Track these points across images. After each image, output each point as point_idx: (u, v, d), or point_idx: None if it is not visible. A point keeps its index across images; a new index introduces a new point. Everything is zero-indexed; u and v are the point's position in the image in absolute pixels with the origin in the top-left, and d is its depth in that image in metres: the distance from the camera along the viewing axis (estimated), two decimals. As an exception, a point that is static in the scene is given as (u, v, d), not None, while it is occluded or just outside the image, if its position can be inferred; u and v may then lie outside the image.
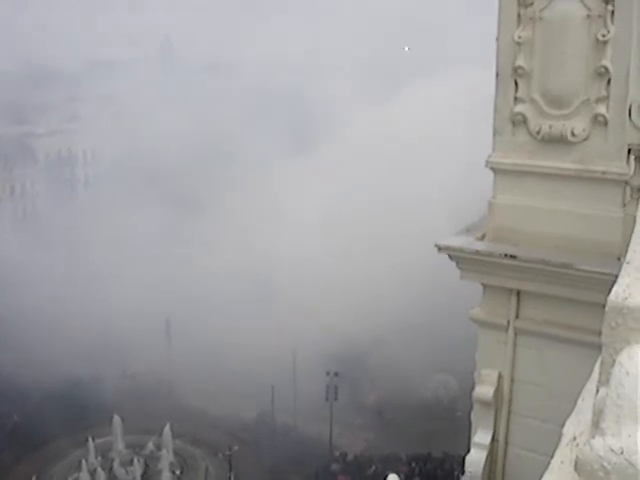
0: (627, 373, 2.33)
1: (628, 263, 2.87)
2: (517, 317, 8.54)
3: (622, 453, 2.19)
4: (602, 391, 2.50)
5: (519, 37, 8.01)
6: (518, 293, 8.46)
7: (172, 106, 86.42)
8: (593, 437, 2.30)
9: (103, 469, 49.61)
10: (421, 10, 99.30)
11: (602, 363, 2.64)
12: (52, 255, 69.73)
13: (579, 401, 3.18)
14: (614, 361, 2.46)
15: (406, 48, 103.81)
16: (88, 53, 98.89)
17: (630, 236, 3.40)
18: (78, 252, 69.35)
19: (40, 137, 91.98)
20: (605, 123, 7.84)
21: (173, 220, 71.61)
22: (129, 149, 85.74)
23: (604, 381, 2.55)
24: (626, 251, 3.06)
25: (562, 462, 2.54)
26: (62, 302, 61.11)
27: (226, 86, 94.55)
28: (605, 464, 2.21)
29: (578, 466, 2.28)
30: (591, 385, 3.14)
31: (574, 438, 2.69)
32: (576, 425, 2.83)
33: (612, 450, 2.20)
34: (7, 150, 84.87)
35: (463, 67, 72.29)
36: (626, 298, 2.61)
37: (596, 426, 2.37)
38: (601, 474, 2.21)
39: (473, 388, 9.06)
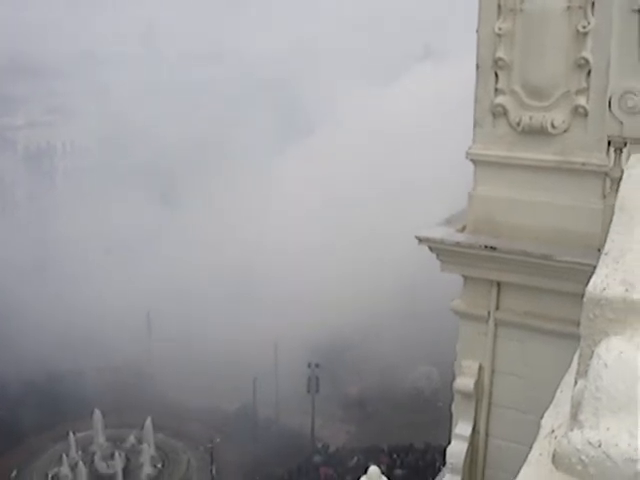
0: (605, 365, 2.31)
1: (606, 254, 2.87)
2: (497, 308, 8.56)
3: (600, 446, 2.18)
4: (580, 383, 2.49)
5: (499, 29, 8.00)
6: (498, 284, 8.48)
7: (156, 97, 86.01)
8: (571, 430, 2.29)
9: (84, 463, 49.38)
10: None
11: (580, 355, 2.63)
12: (31, 248, 69.34)
13: (557, 393, 3.17)
14: (592, 353, 2.45)
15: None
16: (70, 44, 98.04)
17: (607, 229, 3.40)
18: (57, 245, 68.98)
19: (20, 129, 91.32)
20: (585, 114, 7.85)
21: (155, 212, 71.37)
22: (111, 141, 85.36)
23: (582, 373, 2.54)
24: (605, 242, 3.05)
25: (540, 455, 2.52)
26: (41, 295, 60.80)
27: (212, 76, 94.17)
28: (583, 457, 2.19)
29: (556, 459, 2.26)
30: (569, 377, 3.13)
31: (552, 431, 2.67)
32: (554, 417, 2.82)
33: (590, 443, 2.19)
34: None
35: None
36: (604, 289, 2.59)
37: (574, 418, 2.36)
38: (579, 467, 2.20)
39: (454, 380, 9.08)
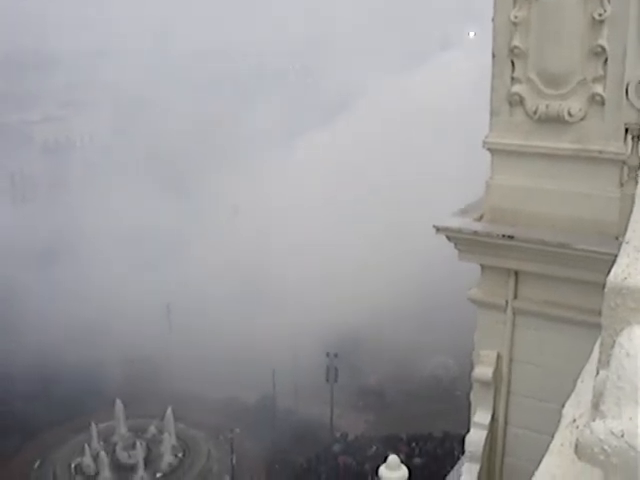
0: (627, 354, 2.32)
1: (627, 243, 2.86)
2: (515, 297, 8.56)
3: (623, 436, 2.19)
4: (602, 373, 2.50)
5: (515, 17, 7.97)
6: (516, 273, 8.47)
7: (169, 91, 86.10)
8: (593, 420, 2.30)
9: (106, 453, 49.76)
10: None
11: (602, 344, 2.63)
12: (49, 240, 69.65)
13: (578, 382, 3.18)
14: (614, 342, 2.45)
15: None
16: (85, 40, 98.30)
17: (628, 216, 3.39)
18: (75, 237, 69.23)
19: (37, 124, 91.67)
20: (602, 103, 7.82)
21: (174, 206, 71.40)
22: (126, 135, 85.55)
23: (604, 362, 2.54)
24: (625, 230, 3.05)
25: (562, 444, 2.54)
26: (62, 286, 61.12)
27: (225, 69, 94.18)
28: (605, 447, 2.20)
29: (578, 449, 2.27)
30: (591, 366, 3.14)
31: (574, 420, 2.69)
32: (575, 407, 2.83)
33: (612, 433, 2.20)
34: (4, 137, 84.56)
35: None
36: (625, 278, 2.60)
37: (596, 408, 2.37)
38: (601, 457, 2.21)
39: (472, 369, 9.09)
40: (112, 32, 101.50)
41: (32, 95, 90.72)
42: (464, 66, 67.98)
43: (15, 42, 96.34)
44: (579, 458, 2.28)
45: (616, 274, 2.64)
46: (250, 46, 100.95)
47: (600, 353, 2.64)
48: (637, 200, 3.39)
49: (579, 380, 3.20)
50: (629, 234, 2.96)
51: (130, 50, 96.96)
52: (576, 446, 2.27)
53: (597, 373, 2.62)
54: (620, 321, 2.53)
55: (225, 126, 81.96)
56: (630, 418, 2.21)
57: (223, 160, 75.43)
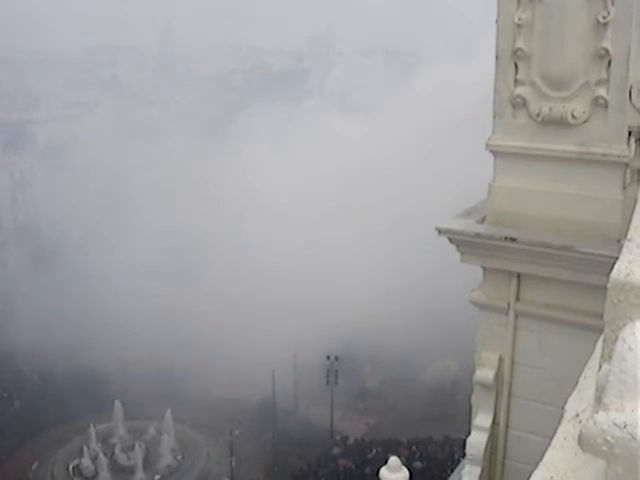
0: (630, 348, 2.34)
1: (630, 240, 2.88)
2: (517, 300, 8.56)
3: (625, 427, 2.21)
4: (605, 367, 2.52)
5: (519, 19, 7.98)
6: (518, 276, 8.48)
7: (174, 90, 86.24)
8: (596, 412, 2.32)
9: (105, 454, 49.84)
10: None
11: (604, 340, 2.65)
12: (52, 240, 69.84)
13: (581, 379, 3.20)
14: (616, 337, 2.47)
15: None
16: (88, 39, 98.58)
17: (631, 216, 3.41)
18: (76, 238, 69.37)
19: (40, 123, 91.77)
20: (605, 105, 7.82)
21: (179, 206, 71.36)
22: (131, 135, 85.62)
23: (607, 357, 2.57)
24: (627, 229, 3.07)
25: (565, 438, 2.56)
26: (61, 287, 61.21)
27: (227, 69, 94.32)
28: (609, 438, 2.23)
29: (581, 440, 2.30)
30: (593, 362, 3.16)
31: (577, 415, 2.71)
32: (578, 402, 2.85)
33: (615, 424, 2.22)
34: (6, 136, 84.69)
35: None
36: (628, 274, 2.62)
37: (599, 401, 2.39)
38: (604, 448, 2.23)
39: (474, 371, 9.10)
40: (116, 30, 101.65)
41: (35, 95, 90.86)
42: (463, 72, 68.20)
43: (17, 41, 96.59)
44: (582, 449, 2.30)
45: (619, 270, 2.66)
46: (252, 44, 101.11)
47: (603, 348, 2.66)
48: (639, 199, 3.41)
49: (582, 376, 3.22)
50: (631, 232, 2.98)
51: (136, 49, 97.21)
52: (579, 437, 2.29)
53: (600, 368, 2.64)
54: (623, 316, 2.55)
55: (227, 127, 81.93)
56: (632, 410, 2.23)
57: (224, 162, 75.40)
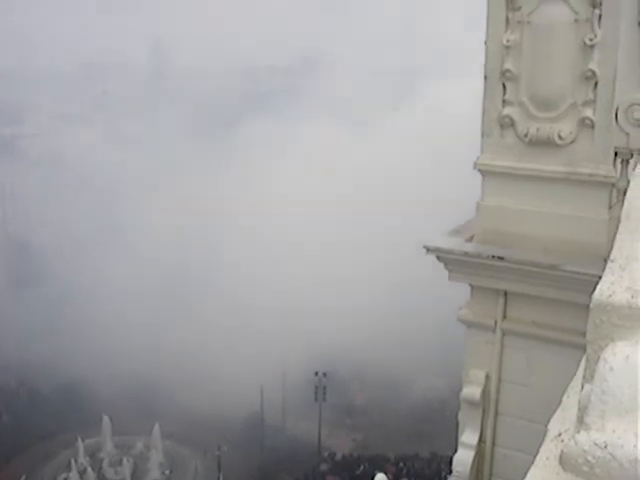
0: (611, 369, 2.38)
1: (612, 261, 2.93)
2: (504, 318, 8.61)
3: (606, 447, 2.24)
4: (587, 387, 2.56)
5: (507, 40, 8.07)
6: (505, 294, 8.53)
7: (164, 105, 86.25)
8: (578, 432, 2.36)
9: (92, 469, 49.48)
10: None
11: (587, 359, 2.69)
12: (39, 256, 69.56)
13: (564, 398, 3.24)
14: (598, 357, 2.52)
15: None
16: (80, 54, 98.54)
17: (614, 237, 3.46)
18: (65, 252, 69.15)
19: (30, 137, 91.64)
20: (592, 126, 7.91)
21: (168, 221, 71.18)
22: (121, 149, 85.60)
23: (589, 377, 2.60)
24: (611, 250, 3.12)
25: (547, 458, 2.59)
26: (49, 301, 60.97)
27: (215, 85, 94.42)
28: (589, 458, 2.26)
29: (563, 460, 2.33)
30: (576, 382, 3.19)
31: (559, 434, 2.74)
32: (561, 422, 2.88)
33: (596, 444, 2.26)
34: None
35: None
36: (610, 295, 2.66)
37: (581, 421, 2.43)
38: (585, 468, 2.26)
39: (461, 388, 9.13)
40: (107, 45, 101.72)
41: (24, 108, 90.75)
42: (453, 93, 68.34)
43: (7, 55, 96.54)
44: (564, 469, 2.34)
45: (601, 291, 2.70)
46: (244, 61, 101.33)
47: (585, 368, 2.70)
48: (622, 220, 3.46)
49: (565, 396, 3.25)
50: (614, 252, 3.03)
51: (127, 65, 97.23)
52: (561, 457, 2.32)
53: (582, 388, 2.67)
54: (604, 337, 2.59)
55: (224, 139, 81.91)
56: (613, 430, 2.27)
57: (216, 176, 75.31)
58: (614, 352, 2.44)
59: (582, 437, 2.29)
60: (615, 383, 2.34)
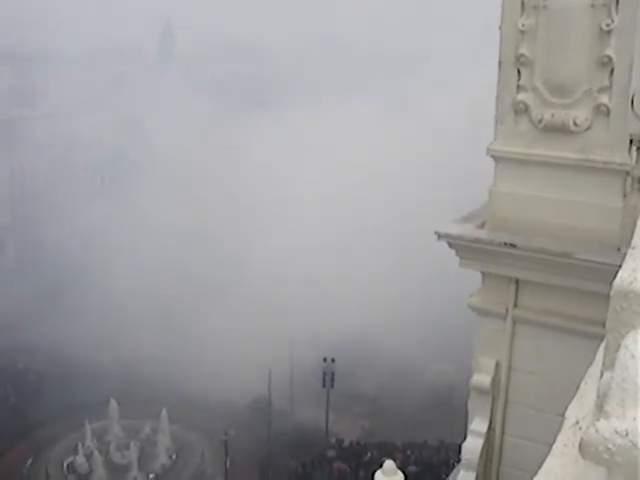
0: (632, 356, 2.34)
1: (634, 248, 2.89)
2: (515, 306, 8.56)
3: (627, 435, 2.22)
4: (606, 375, 2.52)
5: (522, 25, 7.99)
6: (517, 282, 8.48)
7: (174, 91, 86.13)
8: (597, 419, 2.33)
9: (99, 453, 49.67)
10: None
11: (606, 347, 2.66)
12: (48, 239, 69.76)
13: (582, 385, 3.21)
14: (619, 345, 2.48)
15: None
16: (90, 36, 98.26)
17: (630, 226, 3.41)
18: (75, 235, 69.24)
19: (40, 119, 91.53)
20: (607, 113, 7.83)
21: (179, 205, 71.20)
22: (131, 134, 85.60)
23: (608, 365, 2.57)
24: (631, 237, 3.07)
25: (565, 445, 2.56)
26: (59, 284, 61.18)
27: (228, 70, 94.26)
28: (610, 446, 2.23)
29: (582, 448, 2.30)
30: (594, 369, 3.16)
31: (577, 422, 2.71)
32: (579, 409, 2.85)
33: (617, 432, 2.23)
34: (6, 132, 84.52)
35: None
36: (632, 282, 2.62)
37: (600, 409, 2.39)
38: (606, 456, 2.23)
39: (471, 376, 9.10)
40: (116, 29, 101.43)
41: (35, 91, 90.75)
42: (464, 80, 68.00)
43: (17, 38, 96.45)
44: (583, 457, 2.31)
45: (622, 278, 2.66)
46: (253, 45, 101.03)
47: (604, 356, 2.66)
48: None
49: (582, 383, 3.22)
50: (635, 239, 2.98)
51: (136, 48, 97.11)
52: (580, 445, 2.29)
53: (601, 375, 2.64)
54: (625, 324, 2.56)
55: (231, 126, 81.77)
56: (634, 418, 2.24)
57: (229, 162, 75.24)
58: (635, 339, 2.40)
59: (602, 425, 2.26)
60: (636, 371, 2.31)
